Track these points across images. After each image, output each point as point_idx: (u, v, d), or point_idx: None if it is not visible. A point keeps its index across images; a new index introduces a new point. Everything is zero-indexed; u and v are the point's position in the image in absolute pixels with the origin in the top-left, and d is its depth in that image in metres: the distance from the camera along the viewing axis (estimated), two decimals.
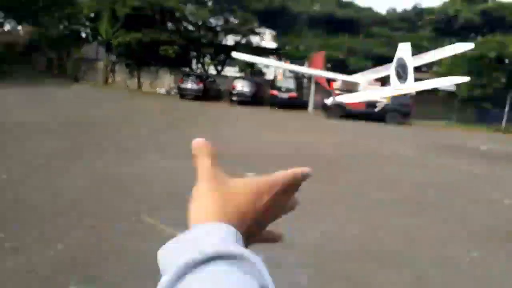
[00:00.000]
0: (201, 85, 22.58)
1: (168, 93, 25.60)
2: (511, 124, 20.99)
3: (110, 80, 26.97)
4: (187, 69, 27.98)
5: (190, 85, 22.69)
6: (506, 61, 20.30)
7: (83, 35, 29.53)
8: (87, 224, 3.94)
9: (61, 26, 27.37)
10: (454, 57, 20.94)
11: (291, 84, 23.08)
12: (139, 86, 26.64)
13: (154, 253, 0.33)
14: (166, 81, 26.53)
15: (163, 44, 23.96)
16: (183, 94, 23.02)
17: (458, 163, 9.62)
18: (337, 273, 3.40)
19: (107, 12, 24.93)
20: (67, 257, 3.17)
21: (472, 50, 19.50)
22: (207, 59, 27.31)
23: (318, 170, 5.32)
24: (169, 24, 26.74)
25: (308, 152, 9.31)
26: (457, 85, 20.89)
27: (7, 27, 31.90)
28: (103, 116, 12.62)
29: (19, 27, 32.35)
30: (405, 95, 21.25)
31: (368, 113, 19.87)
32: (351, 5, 28.58)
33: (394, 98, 20.01)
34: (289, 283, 3.09)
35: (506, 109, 20.93)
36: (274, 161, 8.05)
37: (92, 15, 26.77)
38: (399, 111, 19.60)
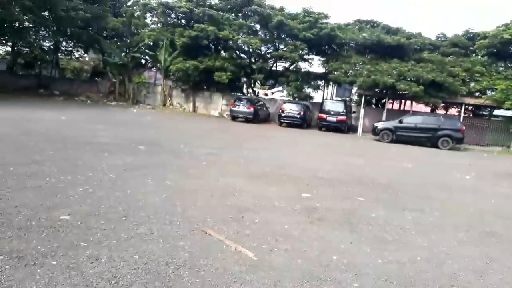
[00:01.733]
0: (251, 109, 23.57)
1: (220, 115, 26.84)
2: None
3: (167, 103, 28.69)
4: (238, 93, 29.23)
5: (241, 108, 23.77)
6: None
7: (143, 61, 31.77)
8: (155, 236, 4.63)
9: (123, 54, 29.62)
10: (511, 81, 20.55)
11: (340, 107, 23.44)
12: (194, 109, 28.14)
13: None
14: (219, 104, 27.87)
15: (217, 71, 25.38)
16: (234, 116, 24.14)
17: None
18: None
19: (165, 41, 26.82)
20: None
21: None
22: (257, 84, 28.38)
23: (381, 196, 5.84)
24: (223, 52, 28.23)
25: (366, 177, 9.46)
26: None
27: (75, 54, 34.97)
28: (165, 136, 13.69)
29: (86, 55, 35.36)
30: (458, 119, 21.09)
31: (420, 138, 19.81)
32: (399, 31, 28.74)
33: (447, 123, 20.01)
34: None
35: None
36: (331, 184, 8.46)
37: (152, 43, 28.86)
38: (452, 136, 19.34)
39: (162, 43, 27.22)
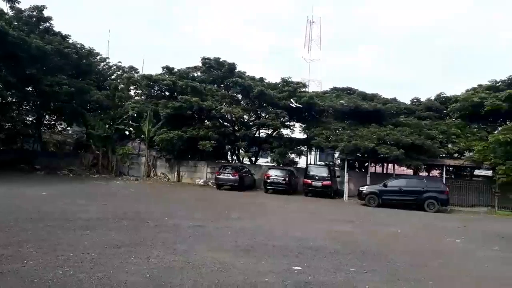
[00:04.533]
0: (236, 176, 23.50)
1: (206, 183, 26.61)
2: None
3: (152, 174, 28.42)
4: (223, 161, 29.31)
5: (226, 175, 23.69)
6: None
7: (127, 133, 31.96)
8: None
9: (107, 126, 29.86)
10: (487, 142, 21.28)
11: (324, 172, 23.61)
12: (179, 178, 27.90)
13: None
14: (204, 172, 27.78)
15: (201, 139, 25.63)
16: (220, 184, 23.95)
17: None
18: None
19: (149, 112, 27.29)
20: None
21: (504, 134, 19.96)
22: (241, 151, 28.63)
23: (374, 265, 5.72)
24: (206, 121, 28.77)
25: (356, 245, 9.27)
26: (494, 170, 20.83)
27: (58, 128, 35.08)
28: (149, 209, 13.36)
29: (69, 128, 35.50)
30: (441, 181, 21.41)
31: (405, 201, 19.87)
32: (375, 97, 30.13)
33: (431, 185, 20.24)
34: None
35: None
36: (322, 254, 8.24)
37: (135, 115, 29.28)
38: (437, 198, 19.47)
39: (146, 114, 27.64)
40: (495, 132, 22.56)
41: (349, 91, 33.31)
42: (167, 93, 29.41)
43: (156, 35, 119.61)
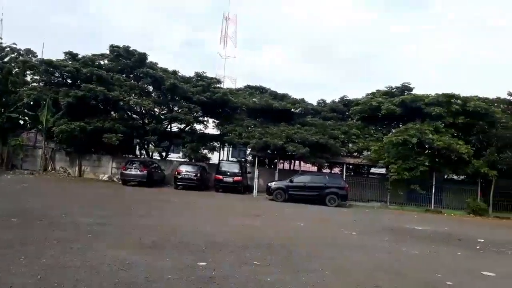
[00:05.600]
0: (144, 171, 22.62)
1: (110, 179, 25.18)
2: (438, 204, 23.06)
3: (49, 168, 26.03)
4: (130, 156, 28.01)
5: (133, 171, 22.67)
6: (427, 146, 22.90)
7: (21, 122, 28.84)
8: None
9: None
10: (382, 143, 23.42)
11: (236, 168, 23.91)
12: (80, 173, 25.99)
13: None
14: (108, 167, 26.24)
15: (106, 132, 24.15)
16: (126, 180, 22.82)
17: (399, 244, 10.43)
18: None
19: (48, 100, 24.97)
20: None
21: (397, 136, 22.15)
22: (151, 146, 27.65)
23: (276, 258, 5.89)
24: (113, 113, 27.21)
25: (262, 239, 9.50)
26: (387, 168, 23.01)
27: None
28: (44, 205, 12.22)
29: None
30: (341, 178, 23.05)
31: (309, 196, 20.99)
32: (285, 97, 31.37)
33: (332, 181, 21.68)
34: None
35: (433, 190, 23.05)
36: (228, 249, 8.30)
37: (32, 103, 26.59)
38: (337, 194, 20.89)
39: (44, 102, 25.20)
40: (390, 134, 24.93)
41: (261, 90, 34.17)
42: (69, 81, 27.20)
43: (59, 18, 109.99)
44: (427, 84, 66.54)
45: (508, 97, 28.56)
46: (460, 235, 12.93)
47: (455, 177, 25.92)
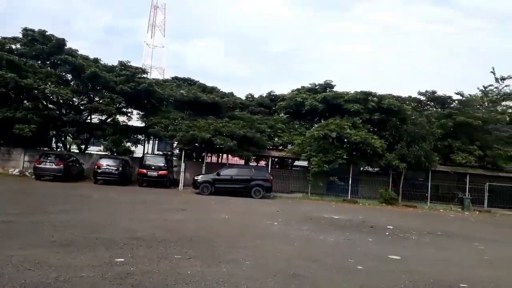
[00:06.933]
0: (61, 165, 21.23)
1: (22, 174, 23.20)
2: (354, 195, 24.75)
3: None
4: (45, 148, 26.03)
5: (48, 165, 21.15)
6: (345, 140, 24.38)
7: None
8: None
9: None
10: (305, 137, 24.45)
11: (161, 162, 23.36)
12: None
13: None
14: (20, 161, 24.14)
15: (17, 122, 22.17)
16: (40, 174, 21.23)
17: (317, 233, 11.01)
18: None
19: None
20: None
21: (318, 131, 23.28)
22: (69, 138, 25.92)
23: (199, 251, 5.92)
24: (26, 102, 25.02)
25: (185, 232, 9.48)
26: (309, 161, 24.10)
27: None
28: None
29: None
30: (266, 170, 23.68)
31: (236, 188, 21.27)
32: (214, 90, 31.29)
33: (258, 174, 22.18)
34: None
35: (350, 181, 24.69)
36: (148, 244, 8.14)
37: None
38: (262, 186, 21.41)
39: None
40: (312, 129, 26.09)
41: (190, 82, 33.71)
42: None
43: None
44: (347, 82, 70.85)
45: (418, 96, 31.49)
46: (373, 223, 14.01)
47: (370, 169, 27.94)
